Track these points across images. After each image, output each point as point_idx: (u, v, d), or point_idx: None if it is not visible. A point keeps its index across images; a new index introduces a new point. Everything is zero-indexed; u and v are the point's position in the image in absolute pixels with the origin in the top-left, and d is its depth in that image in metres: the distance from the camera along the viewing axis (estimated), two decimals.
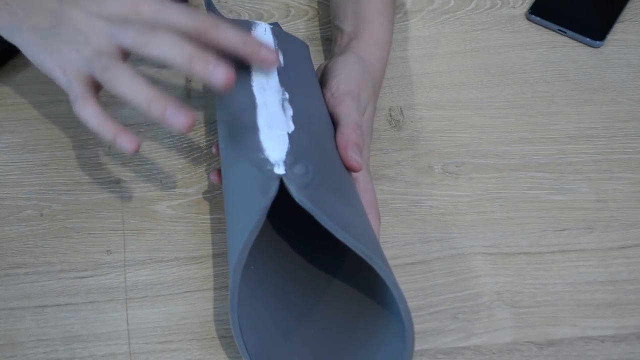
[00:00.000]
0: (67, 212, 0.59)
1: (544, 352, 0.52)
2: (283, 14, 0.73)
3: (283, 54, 0.55)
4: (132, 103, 0.47)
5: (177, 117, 0.46)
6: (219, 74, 0.45)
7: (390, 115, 0.65)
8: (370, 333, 0.48)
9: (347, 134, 0.52)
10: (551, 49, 0.69)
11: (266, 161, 0.46)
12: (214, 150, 0.57)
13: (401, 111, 0.65)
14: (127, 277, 0.56)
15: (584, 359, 0.52)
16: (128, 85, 0.47)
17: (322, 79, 0.58)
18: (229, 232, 0.48)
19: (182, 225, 0.59)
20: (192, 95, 0.67)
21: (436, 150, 0.63)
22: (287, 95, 0.51)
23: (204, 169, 0.62)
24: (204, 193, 0.61)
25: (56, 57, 0.50)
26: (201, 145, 0.64)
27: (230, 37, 0.48)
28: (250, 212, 0.45)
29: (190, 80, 0.68)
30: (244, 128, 0.49)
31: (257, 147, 0.47)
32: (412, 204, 0.59)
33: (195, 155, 0.63)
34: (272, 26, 0.56)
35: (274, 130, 0.48)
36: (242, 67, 0.53)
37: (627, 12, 0.72)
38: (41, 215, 0.60)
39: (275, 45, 0.55)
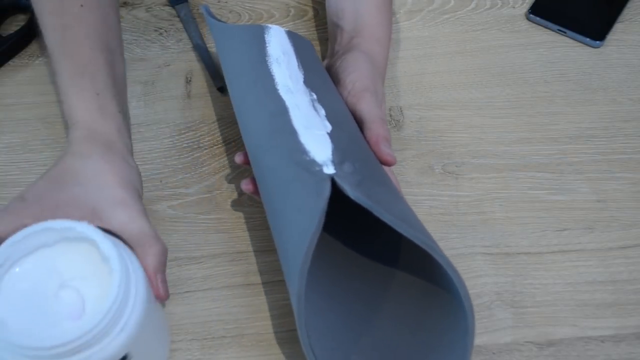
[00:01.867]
0: None
1: (544, 352, 0.52)
2: (283, 14, 0.73)
3: (300, 56, 0.55)
4: None
5: None
6: None
7: (390, 115, 0.65)
8: (430, 325, 0.48)
9: (376, 129, 0.52)
10: (551, 49, 0.69)
11: (313, 162, 0.46)
12: (238, 159, 0.55)
13: (401, 111, 0.65)
14: None
15: (584, 359, 0.52)
16: None
17: (333, 79, 0.58)
18: (280, 238, 0.47)
19: (182, 225, 0.59)
20: (192, 95, 0.67)
21: (436, 150, 0.63)
22: (314, 96, 0.51)
23: (204, 168, 0.62)
24: (204, 193, 0.61)
25: None
26: (201, 145, 0.64)
27: None
28: (306, 215, 0.44)
29: (190, 81, 0.68)
30: (280, 132, 0.49)
31: (300, 150, 0.47)
32: (412, 204, 0.59)
33: (196, 155, 0.63)
34: (286, 30, 0.56)
35: (313, 131, 0.48)
36: (264, 70, 0.53)
37: (627, 12, 0.72)
38: None
39: (291, 47, 0.55)
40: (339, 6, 0.64)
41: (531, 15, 0.71)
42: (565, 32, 0.70)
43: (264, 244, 0.58)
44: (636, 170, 0.61)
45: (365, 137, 0.52)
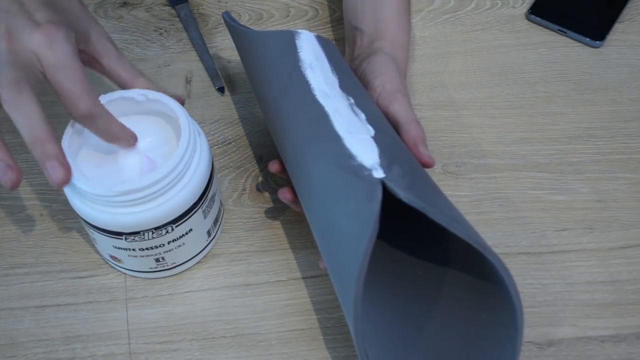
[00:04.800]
0: (67, 212, 0.59)
1: (544, 352, 0.52)
2: (283, 14, 0.73)
3: (331, 60, 0.54)
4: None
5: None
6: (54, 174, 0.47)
7: None
8: (477, 325, 0.48)
9: (413, 131, 0.52)
10: (551, 49, 0.69)
11: (361, 167, 0.46)
12: (273, 168, 0.55)
13: None
14: (127, 277, 0.56)
15: (584, 359, 0.52)
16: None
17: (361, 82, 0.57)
18: (330, 245, 0.47)
19: None
20: (192, 95, 0.67)
21: (436, 150, 0.63)
22: (352, 100, 0.51)
23: None
24: None
25: None
26: None
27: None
28: (359, 221, 0.44)
29: (190, 81, 0.68)
30: (322, 139, 0.49)
31: (347, 155, 0.47)
32: None
33: None
34: (315, 35, 0.56)
35: (357, 136, 0.48)
36: (298, 76, 0.52)
37: (627, 12, 0.72)
38: (41, 215, 0.60)
39: (322, 52, 0.55)
40: (357, 9, 0.63)
41: (531, 15, 0.71)
42: (565, 32, 0.70)
43: (264, 244, 0.58)
44: (636, 170, 0.61)
45: (402, 139, 0.52)
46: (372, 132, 0.49)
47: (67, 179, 0.48)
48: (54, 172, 0.48)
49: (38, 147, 0.47)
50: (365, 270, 0.43)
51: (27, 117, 0.48)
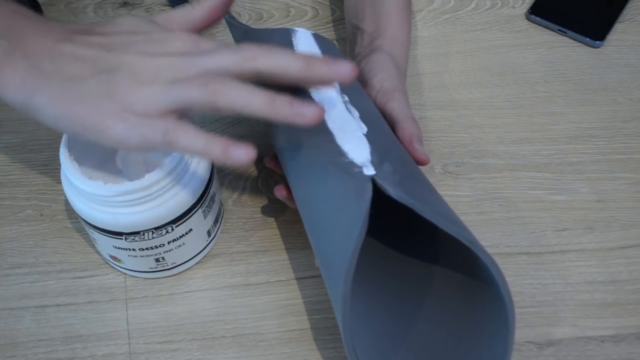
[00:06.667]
0: (67, 212, 0.59)
1: (544, 352, 0.52)
2: (283, 14, 0.73)
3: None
4: (251, 111, 0.42)
5: (308, 110, 0.42)
6: (308, 112, 0.42)
7: None
8: (468, 322, 0.48)
9: (409, 128, 0.53)
10: (551, 49, 0.69)
11: (352, 164, 0.46)
12: (267, 163, 0.56)
13: None
14: (127, 277, 0.56)
15: (584, 359, 0.52)
16: (244, 94, 0.42)
17: (358, 81, 0.58)
18: (320, 242, 0.47)
19: None
20: None
21: (436, 150, 0.63)
22: (346, 97, 0.51)
23: None
24: None
25: (110, 105, 0.43)
26: None
27: (286, 62, 0.43)
28: (349, 218, 0.44)
29: None
30: (315, 135, 0.49)
31: (338, 152, 0.47)
32: None
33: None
34: (312, 32, 0.56)
35: (349, 133, 0.48)
36: None
37: (627, 12, 0.72)
38: (41, 215, 0.60)
39: (319, 50, 0.55)
40: (358, 8, 0.63)
41: (531, 15, 0.71)
42: (565, 32, 0.70)
43: (264, 244, 0.58)
44: (636, 170, 0.61)
45: (397, 137, 0.52)
46: (364, 129, 0.49)
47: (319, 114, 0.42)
48: (307, 109, 0.42)
49: (277, 102, 0.42)
50: (353, 267, 0.43)
51: (250, 94, 0.43)
